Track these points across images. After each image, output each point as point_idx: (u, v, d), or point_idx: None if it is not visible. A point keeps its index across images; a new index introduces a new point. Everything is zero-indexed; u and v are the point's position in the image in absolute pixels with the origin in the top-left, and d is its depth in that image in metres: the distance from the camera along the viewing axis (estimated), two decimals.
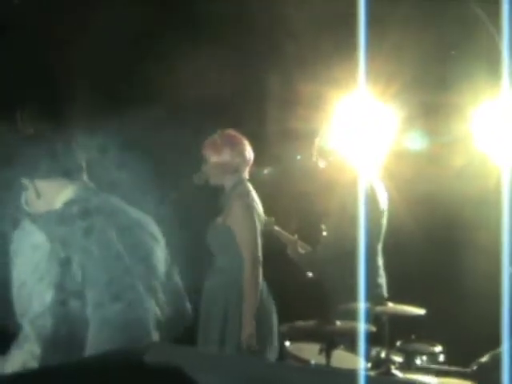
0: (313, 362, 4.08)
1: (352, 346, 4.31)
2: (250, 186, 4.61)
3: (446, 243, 5.19)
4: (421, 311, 4.28)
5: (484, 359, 3.93)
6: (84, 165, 2.84)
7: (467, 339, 4.48)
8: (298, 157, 5.09)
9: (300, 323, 4.29)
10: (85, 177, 2.83)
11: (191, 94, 5.01)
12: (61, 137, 2.82)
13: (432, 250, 5.28)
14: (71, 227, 2.66)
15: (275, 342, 4.48)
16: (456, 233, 5.10)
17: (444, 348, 4.45)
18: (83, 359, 2.38)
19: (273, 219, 4.80)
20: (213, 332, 4.47)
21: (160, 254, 2.82)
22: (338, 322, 4.14)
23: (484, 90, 4.54)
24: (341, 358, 4.13)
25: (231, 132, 4.60)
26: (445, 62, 4.91)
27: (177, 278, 2.94)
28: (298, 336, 4.43)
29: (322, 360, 4.03)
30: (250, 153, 4.61)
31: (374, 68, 4.25)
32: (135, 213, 2.84)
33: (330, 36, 4.84)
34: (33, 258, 2.65)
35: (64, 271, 2.58)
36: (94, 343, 2.56)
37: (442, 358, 4.43)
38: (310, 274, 4.70)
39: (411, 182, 4.97)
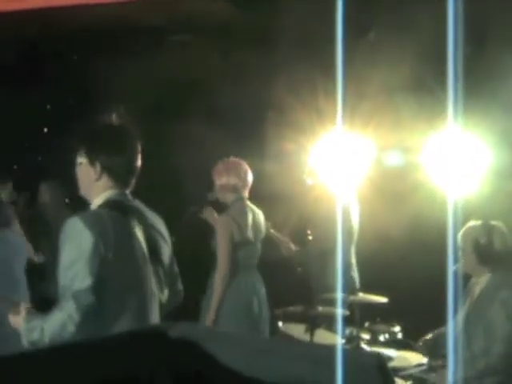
0: (300, 338, 4.48)
1: (331, 326, 4.84)
2: (248, 203, 5.00)
3: (405, 249, 5.80)
4: (384, 299, 4.83)
5: (427, 337, 4.32)
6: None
7: (418, 322, 4.70)
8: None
9: (290, 308, 4.78)
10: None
11: None
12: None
13: (394, 253, 5.83)
14: (109, 226, 3.00)
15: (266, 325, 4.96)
16: (412, 244, 5.70)
17: (401, 328, 5.03)
18: (117, 334, 2.57)
19: (269, 224, 5.30)
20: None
21: (166, 250, 3.24)
22: (320, 308, 4.64)
23: (433, 125, 5.03)
24: (322, 335, 4.60)
25: (232, 159, 5.03)
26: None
27: (175, 268, 3.36)
28: (289, 318, 4.90)
29: (307, 337, 4.48)
30: (247, 175, 4.99)
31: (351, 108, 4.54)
32: (151, 215, 3.23)
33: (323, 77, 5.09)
34: (80, 248, 2.92)
35: (102, 261, 2.93)
36: (119, 317, 2.97)
37: (399, 335, 5.01)
38: (300, 269, 5.17)
39: (378, 200, 5.51)
